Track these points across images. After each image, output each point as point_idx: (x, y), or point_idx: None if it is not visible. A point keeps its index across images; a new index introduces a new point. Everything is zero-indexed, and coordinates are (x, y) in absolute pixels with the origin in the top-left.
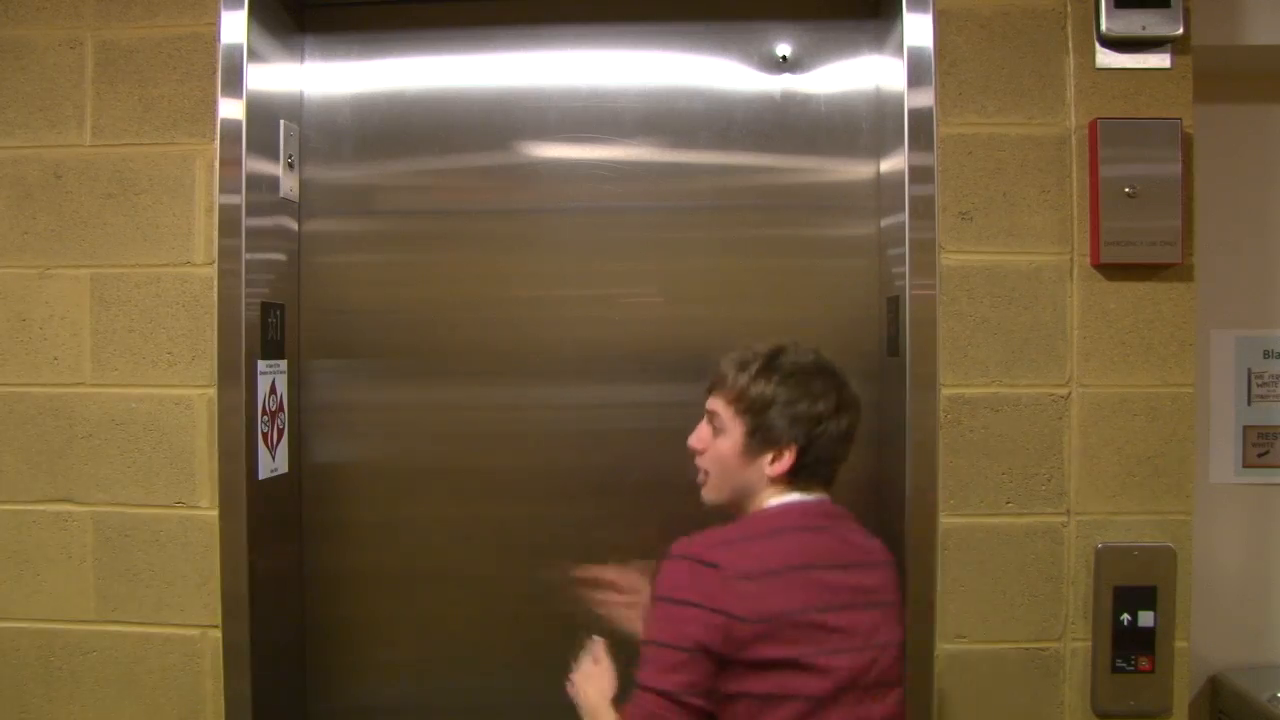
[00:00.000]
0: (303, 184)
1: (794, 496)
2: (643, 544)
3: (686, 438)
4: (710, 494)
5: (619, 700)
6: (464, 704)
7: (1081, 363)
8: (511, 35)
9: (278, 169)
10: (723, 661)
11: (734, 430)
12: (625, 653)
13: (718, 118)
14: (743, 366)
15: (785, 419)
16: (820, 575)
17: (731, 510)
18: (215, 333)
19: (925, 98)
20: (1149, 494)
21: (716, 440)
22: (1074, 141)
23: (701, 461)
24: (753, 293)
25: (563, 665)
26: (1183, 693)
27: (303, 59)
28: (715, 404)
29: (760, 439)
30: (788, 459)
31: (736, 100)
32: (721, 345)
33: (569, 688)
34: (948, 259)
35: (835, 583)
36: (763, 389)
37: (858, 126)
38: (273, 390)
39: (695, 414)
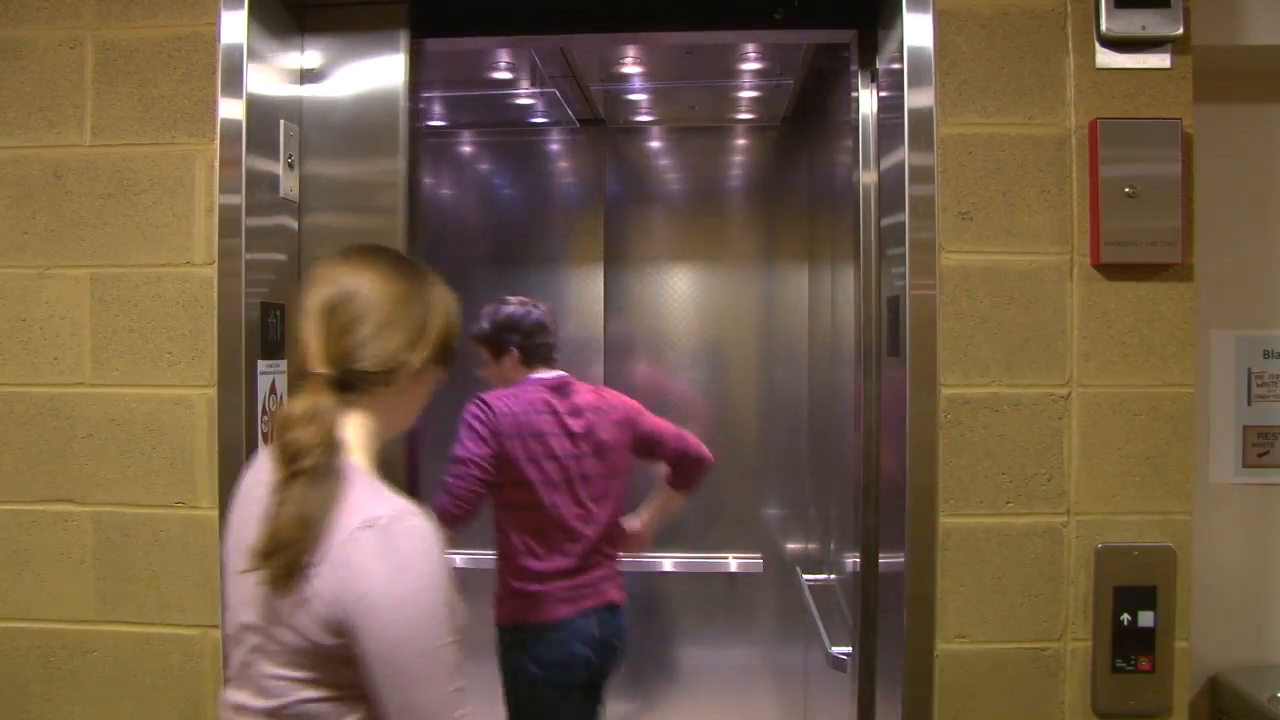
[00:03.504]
0: (303, 183)
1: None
2: None
3: None
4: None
5: None
6: None
7: (1081, 363)
8: None
9: (278, 169)
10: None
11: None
12: None
13: None
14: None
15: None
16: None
17: None
18: (215, 332)
19: (925, 98)
20: (1149, 494)
21: None
22: (1074, 141)
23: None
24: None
25: None
26: (1183, 693)
27: (303, 59)
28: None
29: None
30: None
31: None
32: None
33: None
34: (948, 259)
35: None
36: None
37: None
38: (273, 390)
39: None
